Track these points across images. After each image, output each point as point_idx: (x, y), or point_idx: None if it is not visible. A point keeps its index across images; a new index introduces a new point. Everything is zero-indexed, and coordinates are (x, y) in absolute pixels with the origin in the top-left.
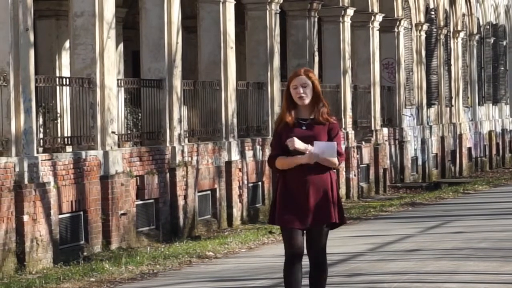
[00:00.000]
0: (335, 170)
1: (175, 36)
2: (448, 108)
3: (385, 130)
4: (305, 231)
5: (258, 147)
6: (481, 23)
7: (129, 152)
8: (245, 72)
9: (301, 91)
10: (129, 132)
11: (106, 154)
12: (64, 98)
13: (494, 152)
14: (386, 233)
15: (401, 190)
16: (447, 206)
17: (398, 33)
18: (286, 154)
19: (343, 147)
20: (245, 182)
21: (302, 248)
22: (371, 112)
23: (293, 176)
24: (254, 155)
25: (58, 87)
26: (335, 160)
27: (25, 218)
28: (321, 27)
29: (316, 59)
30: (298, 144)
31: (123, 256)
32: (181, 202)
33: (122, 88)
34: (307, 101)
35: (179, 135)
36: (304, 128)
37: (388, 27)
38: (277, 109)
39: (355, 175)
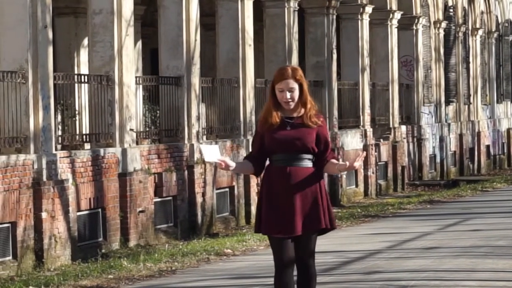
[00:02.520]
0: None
1: (193, 33)
2: (466, 106)
3: (403, 127)
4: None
5: None
6: (499, 20)
7: (147, 149)
8: (263, 70)
9: (288, 96)
10: (147, 129)
11: (124, 152)
12: (82, 95)
13: None
14: (404, 230)
15: (419, 187)
16: (465, 204)
17: (417, 30)
18: (265, 154)
19: (361, 143)
20: None
21: (293, 257)
22: (389, 110)
23: (277, 181)
24: None
25: (76, 85)
26: None
27: (44, 215)
28: (340, 24)
29: (335, 56)
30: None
31: (141, 253)
32: (199, 199)
33: (141, 86)
34: (293, 105)
35: (197, 132)
36: (288, 128)
37: (407, 24)
38: None
39: (373, 173)
